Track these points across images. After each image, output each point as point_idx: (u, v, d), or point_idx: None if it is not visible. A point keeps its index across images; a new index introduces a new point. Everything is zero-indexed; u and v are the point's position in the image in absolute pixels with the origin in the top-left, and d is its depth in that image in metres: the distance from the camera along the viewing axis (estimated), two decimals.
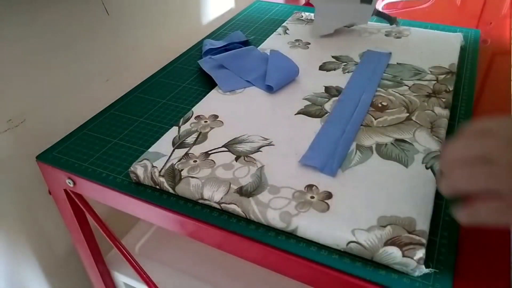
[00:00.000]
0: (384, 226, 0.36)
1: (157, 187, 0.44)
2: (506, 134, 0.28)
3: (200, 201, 0.42)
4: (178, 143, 0.48)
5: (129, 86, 0.62)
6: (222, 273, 0.62)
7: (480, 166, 0.29)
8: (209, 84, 0.60)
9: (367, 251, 0.35)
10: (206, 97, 0.56)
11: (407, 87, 0.55)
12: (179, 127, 0.50)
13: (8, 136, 0.58)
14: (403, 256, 0.34)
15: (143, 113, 0.56)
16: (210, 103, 0.55)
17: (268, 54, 0.64)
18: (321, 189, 0.40)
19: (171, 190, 0.43)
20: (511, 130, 0.29)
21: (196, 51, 0.71)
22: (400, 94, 0.54)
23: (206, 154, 0.46)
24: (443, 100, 0.52)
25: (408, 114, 0.50)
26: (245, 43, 0.71)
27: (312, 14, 0.79)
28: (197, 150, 0.46)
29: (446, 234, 0.37)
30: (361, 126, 0.48)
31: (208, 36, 0.75)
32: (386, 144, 0.46)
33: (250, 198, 0.39)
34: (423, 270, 0.34)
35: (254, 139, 0.48)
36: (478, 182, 0.29)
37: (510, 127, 0.29)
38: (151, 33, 0.78)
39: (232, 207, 0.40)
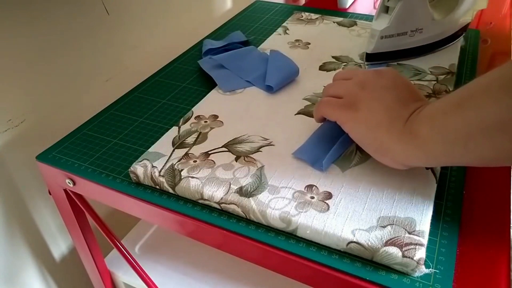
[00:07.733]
0: (384, 226, 0.36)
1: (157, 187, 0.44)
2: (356, 79, 0.43)
3: (200, 201, 0.42)
4: (178, 143, 0.48)
5: (129, 86, 0.62)
6: (222, 273, 0.62)
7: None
8: (209, 84, 0.60)
9: (367, 251, 0.35)
10: (206, 97, 0.56)
11: None
12: (179, 127, 0.50)
13: (8, 136, 0.58)
14: (403, 256, 0.34)
15: (143, 113, 0.56)
16: (210, 103, 0.55)
17: (268, 54, 0.64)
18: (321, 189, 0.40)
19: (171, 190, 0.43)
20: (360, 76, 0.43)
21: (196, 51, 0.71)
22: None
23: (206, 154, 0.46)
24: None
25: None
26: (245, 43, 0.71)
27: (312, 15, 0.79)
28: (197, 150, 0.46)
29: (446, 234, 0.37)
30: None
31: (208, 36, 0.75)
32: None
33: (250, 198, 0.39)
34: (423, 270, 0.34)
35: (254, 139, 0.48)
36: (325, 93, 0.46)
37: (360, 75, 0.44)
38: (151, 33, 0.78)
39: (232, 207, 0.40)
